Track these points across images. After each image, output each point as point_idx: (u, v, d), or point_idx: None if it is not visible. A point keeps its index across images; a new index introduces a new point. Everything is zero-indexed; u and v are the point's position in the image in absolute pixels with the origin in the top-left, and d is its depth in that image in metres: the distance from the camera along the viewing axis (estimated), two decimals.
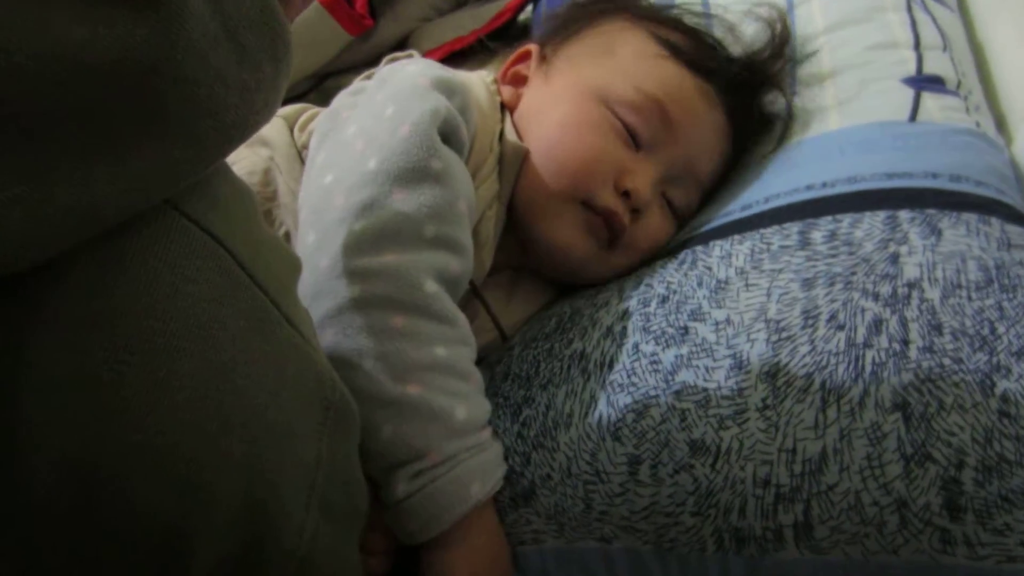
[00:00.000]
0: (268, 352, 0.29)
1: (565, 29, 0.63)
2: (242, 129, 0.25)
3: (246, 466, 0.28)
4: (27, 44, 0.19)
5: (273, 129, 0.58)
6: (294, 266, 0.35)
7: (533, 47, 0.63)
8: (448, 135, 0.51)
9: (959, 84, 0.61)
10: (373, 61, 1.10)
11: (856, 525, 0.39)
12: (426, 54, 1.03)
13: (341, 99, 0.57)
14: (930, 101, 0.57)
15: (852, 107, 0.58)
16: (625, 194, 0.55)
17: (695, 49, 0.59)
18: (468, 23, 1.06)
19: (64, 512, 0.23)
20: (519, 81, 0.63)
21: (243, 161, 0.57)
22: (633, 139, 0.56)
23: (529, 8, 1.03)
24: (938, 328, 0.41)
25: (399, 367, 0.44)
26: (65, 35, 0.19)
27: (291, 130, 0.59)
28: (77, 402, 0.23)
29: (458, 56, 1.07)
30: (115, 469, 0.24)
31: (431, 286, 0.46)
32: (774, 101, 0.62)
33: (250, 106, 0.24)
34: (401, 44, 1.08)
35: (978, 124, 0.57)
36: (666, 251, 0.56)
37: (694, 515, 0.43)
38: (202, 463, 0.26)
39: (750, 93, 0.60)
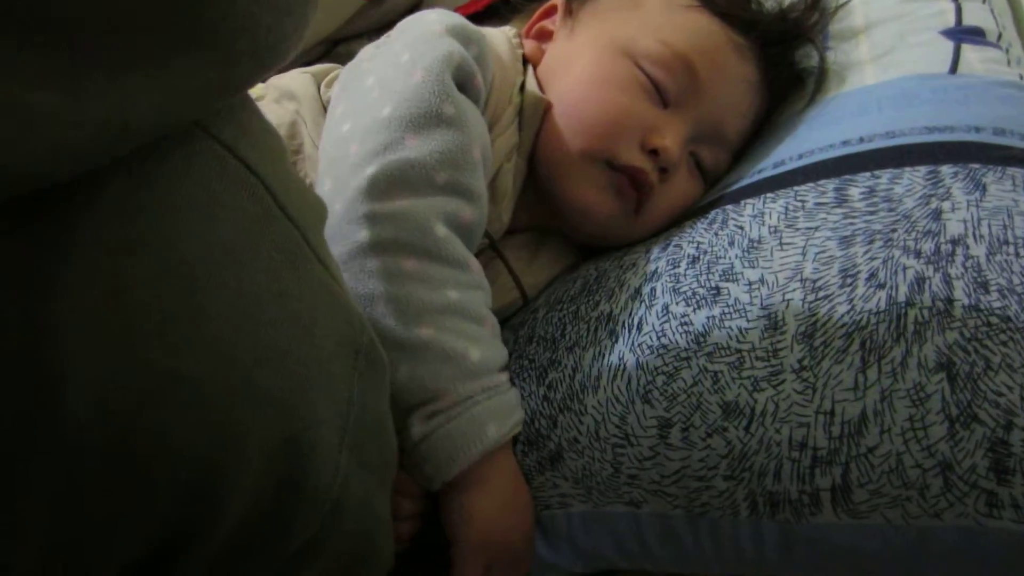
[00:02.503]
0: (301, 287, 0.28)
1: None
2: (273, 53, 0.23)
3: (280, 401, 0.27)
4: None
5: (300, 84, 0.58)
6: (321, 209, 0.34)
7: (559, 1, 0.61)
8: (463, 82, 0.50)
9: (999, 36, 0.58)
10: (385, 27, 1.08)
11: (897, 488, 0.38)
12: None
13: (365, 51, 0.56)
14: (971, 53, 0.55)
15: (889, 60, 0.56)
16: (653, 153, 0.54)
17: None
18: None
19: (98, 446, 0.23)
20: (544, 36, 0.62)
21: (269, 115, 0.56)
22: (660, 95, 0.54)
23: None
24: (984, 285, 0.40)
25: (411, 310, 0.44)
26: None
27: (318, 87, 0.58)
28: (111, 329, 0.22)
29: (473, 19, 1.05)
30: (149, 401, 0.23)
31: (441, 230, 0.46)
32: (808, 56, 0.59)
33: (281, 29, 0.23)
34: (414, 9, 1.06)
35: (1021, 77, 0.54)
36: (695, 210, 0.55)
37: (727, 479, 0.42)
38: (236, 396, 0.25)
39: (784, 47, 0.58)
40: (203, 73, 0.21)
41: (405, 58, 0.50)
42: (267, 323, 0.26)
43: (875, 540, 0.39)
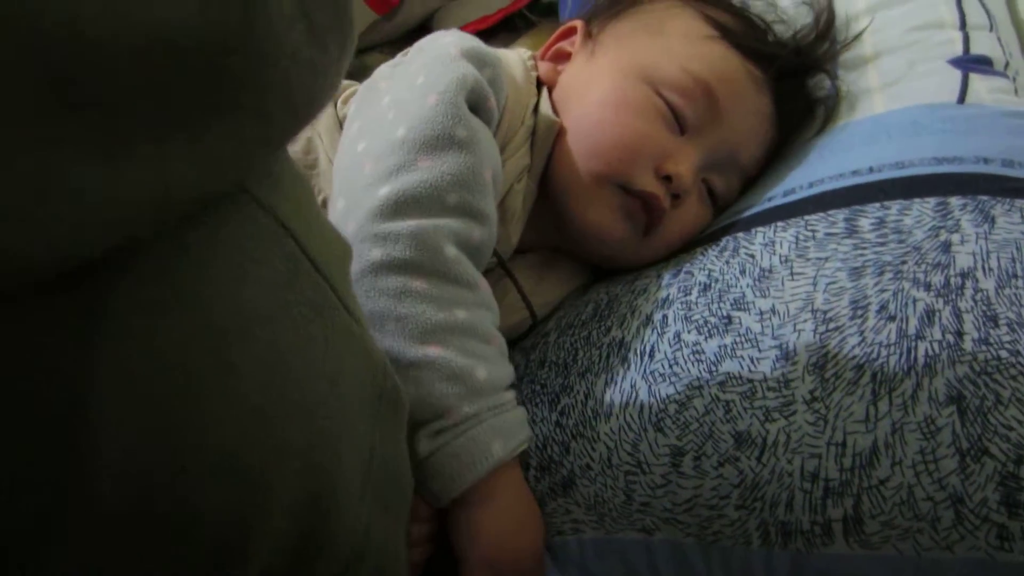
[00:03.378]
0: (328, 339, 0.29)
1: (613, 7, 0.62)
2: (308, 108, 0.24)
3: (307, 457, 0.27)
4: (105, 21, 0.18)
5: None
6: (346, 251, 0.34)
7: (579, 23, 0.62)
8: (476, 104, 0.51)
9: (1007, 65, 0.59)
10: (396, 40, 1.09)
11: (909, 520, 0.38)
12: None
13: (381, 70, 0.57)
14: (978, 82, 0.55)
15: (898, 89, 0.57)
16: (666, 178, 0.54)
17: (745, 31, 0.57)
18: (494, 1, 1.05)
19: (129, 513, 0.23)
20: (561, 58, 0.62)
21: None
22: (678, 122, 0.55)
23: None
24: (994, 319, 0.40)
25: (420, 328, 0.45)
26: (146, 13, 0.19)
27: (335, 103, 0.59)
28: (143, 392, 0.23)
29: (485, 34, 1.06)
30: (179, 465, 0.24)
31: (451, 251, 0.47)
32: (819, 85, 0.60)
33: (317, 86, 0.23)
34: (425, 23, 1.07)
35: None
36: (706, 236, 0.55)
37: (739, 508, 0.42)
38: (264, 457, 0.26)
39: (798, 78, 0.59)
40: (242, 134, 0.22)
41: (420, 80, 0.51)
42: (295, 380, 0.26)
43: (887, 571, 0.39)
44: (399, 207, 0.46)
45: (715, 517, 0.43)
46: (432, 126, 0.48)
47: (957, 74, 0.56)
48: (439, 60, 0.52)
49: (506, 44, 1.08)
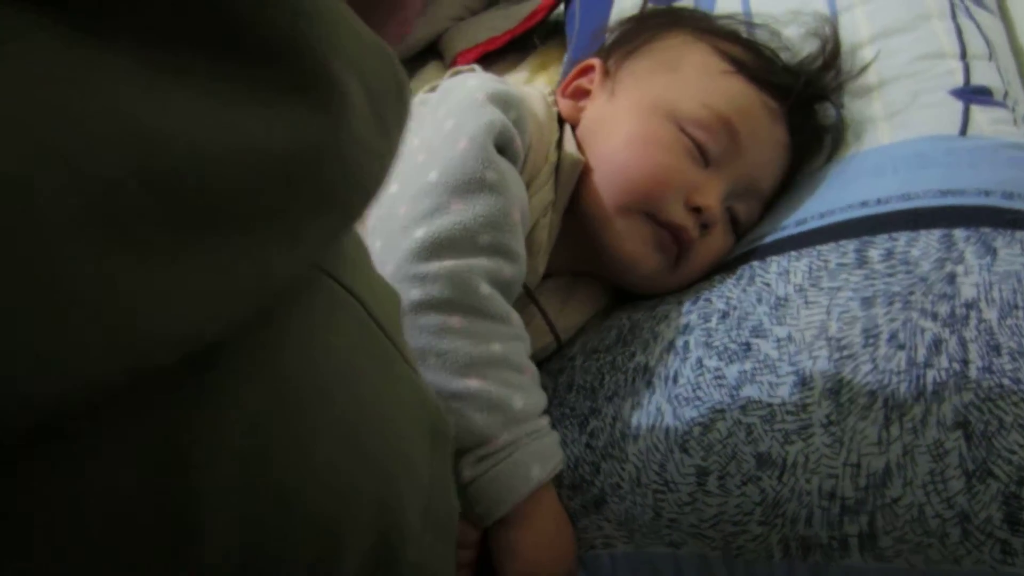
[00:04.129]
0: (392, 390, 0.32)
1: (627, 43, 0.65)
2: (377, 191, 0.27)
3: (377, 501, 0.30)
4: (217, 143, 0.21)
5: None
6: (397, 301, 0.37)
7: (596, 61, 0.65)
8: (503, 146, 0.54)
9: (1006, 94, 0.62)
10: (405, 62, 1.11)
11: (919, 536, 0.42)
12: (460, 54, 1.05)
13: None
14: (979, 114, 0.59)
15: (902, 119, 0.60)
16: (695, 210, 0.57)
17: (758, 63, 0.60)
18: (501, 23, 1.07)
19: (232, 560, 0.26)
20: (581, 95, 0.65)
21: None
22: (702, 156, 0.58)
23: (561, 7, 1.04)
24: (996, 348, 0.43)
25: (459, 363, 0.48)
26: (249, 133, 0.21)
27: None
28: (242, 461, 0.25)
29: (492, 55, 1.09)
30: (273, 524, 0.26)
31: (485, 288, 0.50)
32: (826, 114, 0.63)
33: (384, 170, 0.26)
34: (433, 44, 1.10)
35: None
36: (724, 265, 0.58)
37: (761, 524, 0.45)
38: (342, 507, 0.28)
39: (807, 106, 0.62)
40: (331, 228, 0.25)
41: (450, 125, 0.54)
42: (368, 432, 0.29)
43: None
44: (435, 249, 0.49)
45: (739, 532, 0.46)
46: (463, 170, 0.51)
47: (959, 106, 0.59)
48: (466, 106, 0.55)
49: (515, 64, 1.10)
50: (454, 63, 1.06)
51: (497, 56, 1.09)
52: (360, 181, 0.25)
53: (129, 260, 0.19)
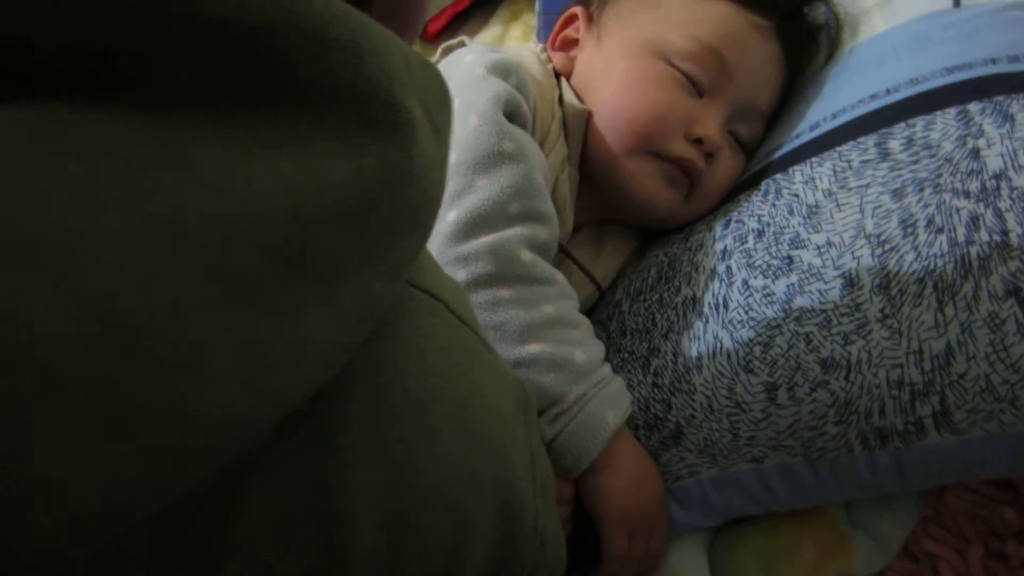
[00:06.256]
0: (483, 375, 0.34)
1: None
2: (441, 198, 0.28)
3: (493, 477, 0.32)
4: (309, 191, 0.22)
5: None
6: (462, 291, 0.39)
7: (578, 9, 0.65)
8: (512, 114, 0.55)
9: None
10: None
11: (990, 404, 0.44)
12: (429, 21, 1.04)
13: None
14: None
15: (893, 6, 0.60)
16: (697, 141, 0.58)
17: None
18: None
19: (380, 560, 0.28)
20: (569, 45, 0.66)
21: None
22: (695, 87, 0.59)
23: None
24: None
25: (517, 331, 0.50)
26: (336, 175, 0.22)
27: None
28: (381, 465, 0.28)
29: (462, 15, 1.08)
30: (411, 514, 0.29)
31: (526, 255, 0.52)
32: (817, 13, 0.63)
33: (444, 176, 0.28)
34: None
35: None
36: (745, 182, 0.59)
37: (837, 424, 0.48)
38: (465, 489, 0.31)
39: (798, 13, 0.62)
40: (412, 244, 0.26)
41: (456, 104, 0.55)
42: (474, 419, 0.31)
43: (978, 450, 0.45)
44: (470, 228, 0.51)
45: (816, 436, 0.48)
46: (481, 146, 0.52)
47: None
48: (468, 82, 0.56)
49: (485, 20, 1.09)
50: (425, 33, 1.05)
51: (467, 15, 1.08)
52: (432, 194, 0.27)
53: (254, 313, 0.21)
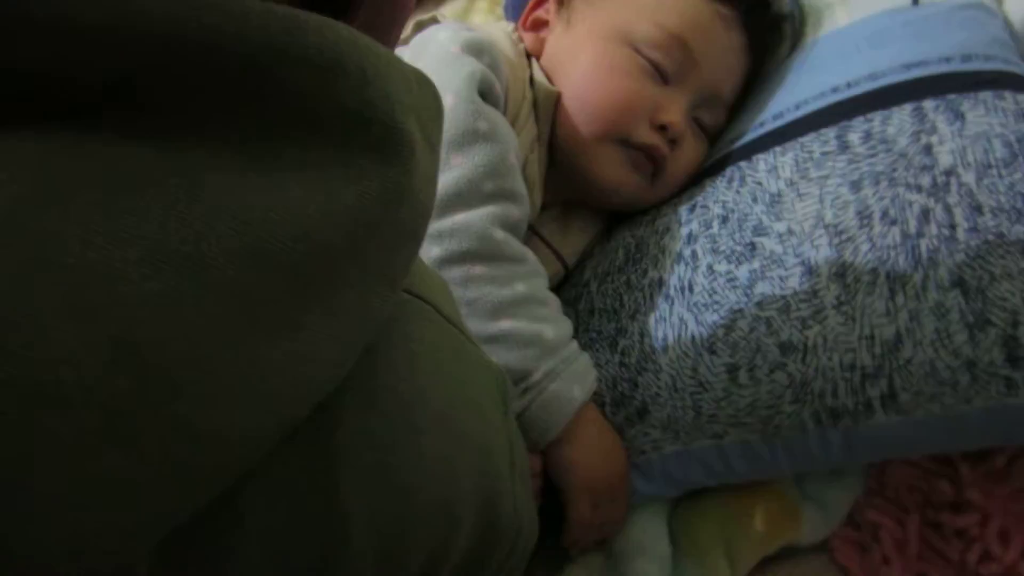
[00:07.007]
0: (467, 370, 0.35)
1: None
2: (432, 207, 0.29)
3: (478, 473, 0.34)
4: (316, 213, 0.23)
5: None
6: (446, 285, 0.40)
7: None
8: (485, 93, 0.56)
9: None
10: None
11: (933, 387, 0.47)
12: None
13: None
14: None
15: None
16: (661, 128, 0.60)
17: None
18: None
19: (371, 558, 0.29)
20: (540, 25, 0.66)
21: None
22: (660, 75, 0.60)
23: None
24: (978, 208, 0.48)
25: (490, 307, 0.52)
26: (340, 197, 0.23)
27: None
28: (371, 467, 0.29)
29: None
30: (401, 513, 0.30)
31: (499, 233, 0.53)
32: (783, 3, 0.65)
33: (435, 187, 0.29)
34: None
35: None
36: (711, 168, 0.61)
37: (792, 403, 0.50)
38: (452, 485, 0.32)
39: (763, 3, 0.63)
40: (410, 255, 0.27)
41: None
42: (460, 417, 0.32)
43: (921, 429, 0.48)
44: (445, 205, 0.52)
45: (774, 414, 0.51)
46: (456, 125, 0.53)
47: None
48: (443, 60, 0.56)
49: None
50: None
51: None
52: (426, 207, 0.28)
53: (265, 336, 0.22)
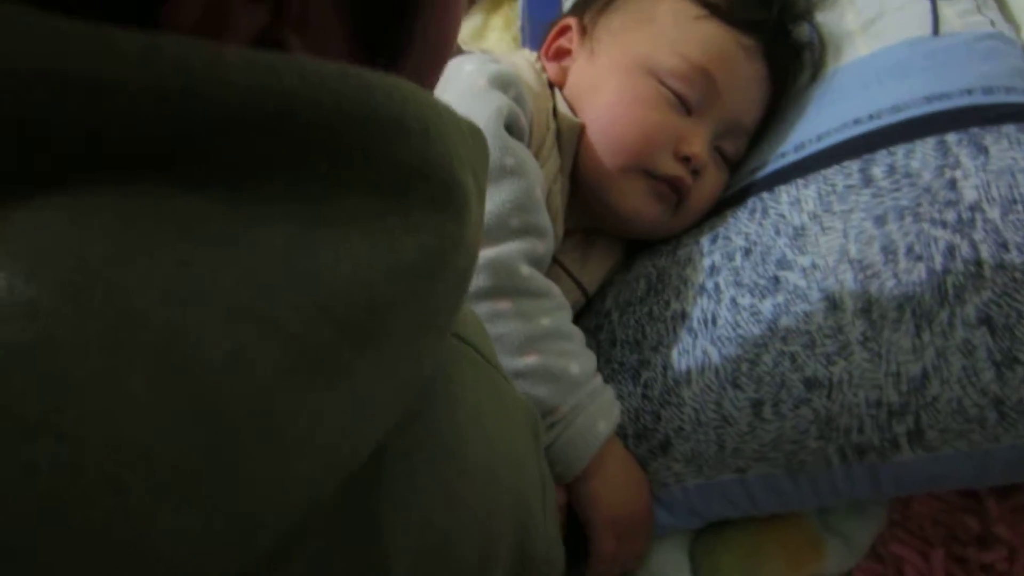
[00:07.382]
0: (503, 409, 0.35)
1: None
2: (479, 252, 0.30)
3: (515, 515, 0.34)
4: (376, 267, 0.23)
5: None
6: (480, 321, 0.40)
7: (572, 20, 0.66)
8: (511, 126, 0.57)
9: None
10: None
11: (961, 424, 0.47)
12: None
13: None
14: (947, 9, 0.61)
15: (876, 28, 0.62)
16: (685, 158, 0.60)
17: (730, 2, 0.62)
18: None
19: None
20: (562, 55, 0.67)
21: None
22: (683, 105, 0.60)
23: None
24: (1004, 245, 0.48)
25: (516, 343, 0.52)
26: (400, 252, 0.23)
27: None
28: (417, 511, 0.29)
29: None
30: (441, 554, 0.30)
31: (525, 269, 0.53)
32: (802, 32, 0.65)
33: (482, 230, 0.29)
34: None
35: (992, 23, 0.61)
36: (732, 198, 0.61)
37: (818, 439, 0.50)
38: (493, 530, 0.32)
39: (784, 33, 0.64)
40: (459, 303, 0.28)
41: None
42: (498, 455, 0.33)
43: (947, 465, 0.48)
44: None
45: (798, 450, 0.51)
46: None
47: (926, 4, 0.61)
48: (470, 94, 0.56)
49: (466, 10, 1.09)
50: None
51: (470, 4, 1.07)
52: (476, 254, 0.28)
53: (325, 387, 0.22)
